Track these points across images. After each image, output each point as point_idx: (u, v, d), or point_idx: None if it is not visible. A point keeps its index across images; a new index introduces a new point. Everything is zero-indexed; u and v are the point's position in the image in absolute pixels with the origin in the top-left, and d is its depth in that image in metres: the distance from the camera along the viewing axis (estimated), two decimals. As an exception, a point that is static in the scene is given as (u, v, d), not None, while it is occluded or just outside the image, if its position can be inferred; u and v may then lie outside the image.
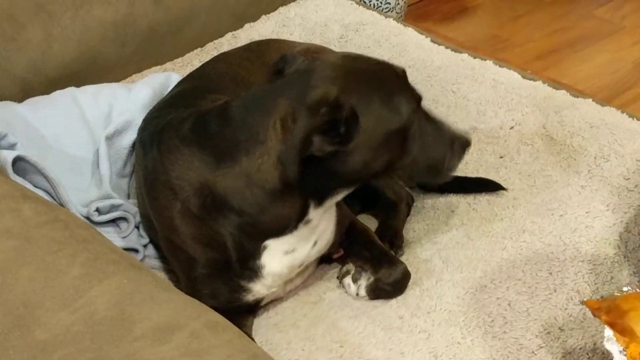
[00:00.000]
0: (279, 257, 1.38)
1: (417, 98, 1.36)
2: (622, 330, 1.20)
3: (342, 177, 1.31)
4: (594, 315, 1.25)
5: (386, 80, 1.33)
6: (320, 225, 1.40)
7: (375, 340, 1.40)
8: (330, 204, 1.37)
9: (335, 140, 1.25)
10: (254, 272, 1.39)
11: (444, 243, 1.58)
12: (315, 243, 1.42)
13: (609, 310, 1.23)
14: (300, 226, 1.36)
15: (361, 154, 1.28)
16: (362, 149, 1.28)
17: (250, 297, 1.42)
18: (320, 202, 1.35)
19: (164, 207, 1.42)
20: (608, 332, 1.21)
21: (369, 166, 1.31)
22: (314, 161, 1.26)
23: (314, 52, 1.76)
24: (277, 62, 1.41)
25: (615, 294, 1.27)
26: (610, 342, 1.20)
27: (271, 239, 1.36)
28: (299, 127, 1.24)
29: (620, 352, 1.19)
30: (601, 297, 1.29)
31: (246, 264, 1.38)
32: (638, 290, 1.27)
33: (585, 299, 1.28)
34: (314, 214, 1.35)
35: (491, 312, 1.43)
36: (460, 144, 1.42)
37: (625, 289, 1.28)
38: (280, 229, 1.35)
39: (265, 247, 1.37)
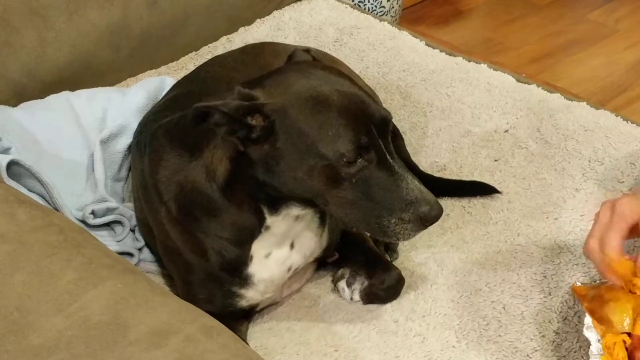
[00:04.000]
0: (263, 262, 1.38)
1: (360, 143, 1.21)
2: (600, 319, 1.22)
3: (277, 188, 1.27)
4: (580, 301, 1.27)
5: (334, 114, 1.22)
6: (292, 230, 1.38)
7: (370, 344, 1.40)
8: (289, 214, 1.32)
9: (237, 135, 1.23)
10: (245, 280, 1.39)
11: (438, 246, 1.58)
12: (292, 245, 1.40)
13: (591, 299, 1.24)
14: (262, 231, 1.34)
15: (283, 170, 1.24)
16: (283, 166, 1.24)
17: (244, 303, 1.42)
18: (274, 209, 1.31)
19: (156, 211, 1.43)
20: (588, 319, 1.23)
21: (295, 185, 1.25)
22: (248, 164, 1.26)
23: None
24: (290, 54, 1.41)
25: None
26: (590, 330, 1.22)
27: (252, 245, 1.36)
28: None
29: (598, 340, 1.21)
30: (594, 282, 1.30)
31: (235, 272, 1.38)
32: None
33: (574, 285, 1.30)
34: (271, 220, 1.33)
35: (486, 315, 1.43)
36: (420, 213, 1.23)
37: None
38: (247, 233, 1.35)
39: (252, 256, 1.37)
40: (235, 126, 1.23)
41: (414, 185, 1.25)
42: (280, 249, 1.39)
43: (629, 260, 1.23)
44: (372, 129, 1.24)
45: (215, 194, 1.33)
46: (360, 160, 1.23)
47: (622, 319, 1.20)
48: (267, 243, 1.36)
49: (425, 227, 1.26)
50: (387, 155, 1.25)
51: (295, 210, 1.32)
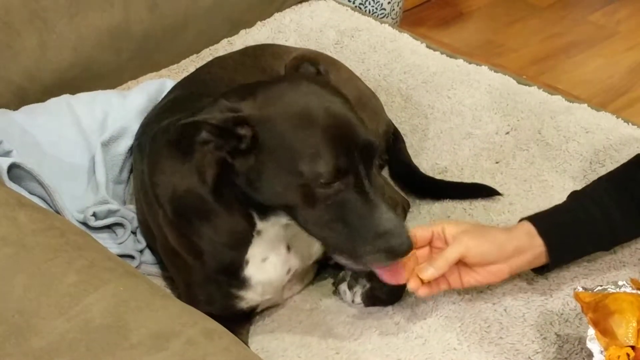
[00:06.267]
0: (260, 265, 1.38)
1: (338, 166, 1.19)
2: (603, 331, 1.21)
3: (259, 197, 1.26)
4: (583, 311, 1.26)
5: (318, 132, 1.20)
6: (285, 234, 1.36)
7: (371, 346, 1.40)
8: (278, 221, 1.31)
9: (225, 149, 1.22)
10: (242, 283, 1.39)
11: (440, 249, 1.58)
12: (288, 248, 1.39)
13: (596, 309, 1.24)
14: (255, 236, 1.34)
15: (264, 184, 1.23)
16: (264, 179, 1.23)
17: (244, 304, 1.42)
18: (264, 215, 1.31)
19: (155, 213, 1.43)
20: (591, 331, 1.22)
21: (275, 199, 1.24)
22: (233, 173, 1.25)
23: (309, 58, 1.76)
24: (297, 64, 1.41)
25: (609, 289, 1.28)
26: (592, 341, 1.22)
27: (248, 250, 1.36)
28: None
29: (601, 352, 1.21)
30: (599, 288, 1.30)
31: (232, 275, 1.38)
32: (631, 285, 1.28)
33: (577, 291, 1.29)
34: (262, 225, 1.32)
35: (487, 317, 1.43)
36: (390, 246, 1.22)
37: (620, 282, 1.29)
38: (240, 237, 1.34)
39: (248, 260, 1.37)
40: (222, 140, 1.22)
41: (388, 216, 1.22)
42: (277, 252, 1.38)
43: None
44: (354, 153, 1.21)
45: (207, 197, 1.32)
46: (337, 183, 1.21)
47: (627, 331, 1.19)
48: (261, 248, 1.36)
49: (394, 260, 1.25)
50: (365, 182, 1.23)
51: (284, 219, 1.30)
